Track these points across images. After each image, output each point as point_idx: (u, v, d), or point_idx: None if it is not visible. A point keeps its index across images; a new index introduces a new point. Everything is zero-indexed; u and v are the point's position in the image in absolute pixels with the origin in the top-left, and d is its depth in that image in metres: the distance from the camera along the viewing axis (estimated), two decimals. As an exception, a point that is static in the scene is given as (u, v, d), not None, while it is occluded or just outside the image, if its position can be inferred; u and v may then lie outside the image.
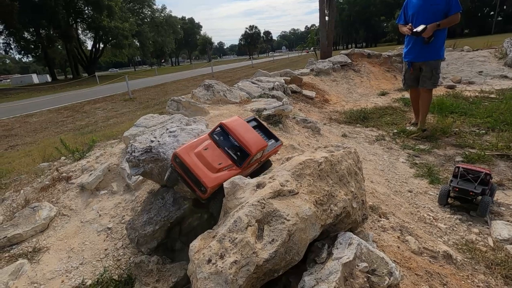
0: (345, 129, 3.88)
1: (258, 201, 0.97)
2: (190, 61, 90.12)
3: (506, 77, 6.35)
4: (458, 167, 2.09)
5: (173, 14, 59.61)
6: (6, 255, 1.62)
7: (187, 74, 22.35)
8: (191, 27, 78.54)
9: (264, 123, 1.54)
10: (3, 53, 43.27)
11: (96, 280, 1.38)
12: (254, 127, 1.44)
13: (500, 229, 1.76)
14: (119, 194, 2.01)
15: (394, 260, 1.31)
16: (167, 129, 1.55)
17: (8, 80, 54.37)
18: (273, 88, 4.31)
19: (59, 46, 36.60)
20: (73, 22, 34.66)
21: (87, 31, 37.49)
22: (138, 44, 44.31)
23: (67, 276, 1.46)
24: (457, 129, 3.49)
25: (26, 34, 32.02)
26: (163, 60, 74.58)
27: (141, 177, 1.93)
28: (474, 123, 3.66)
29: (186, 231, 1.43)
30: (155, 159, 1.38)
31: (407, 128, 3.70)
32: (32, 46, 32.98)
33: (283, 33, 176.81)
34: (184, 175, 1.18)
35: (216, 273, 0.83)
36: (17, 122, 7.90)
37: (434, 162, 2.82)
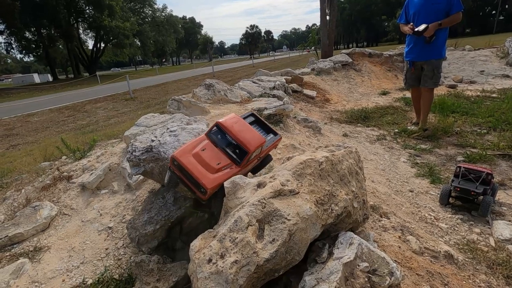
0: (346, 129, 3.87)
1: (259, 201, 0.97)
2: (191, 60, 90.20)
3: (507, 76, 6.32)
4: (460, 167, 2.08)
5: (174, 14, 59.76)
6: (7, 254, 1.62)
7: (188, 74, 22.36)
8: (192, 26, 78.57)
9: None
10: (5, 52, 43.45)
11: (97, 279, 1.38)
12: (252, 122, 1.43)
13: (502, 229, 1.75)
14: (120, 193, 2.02)
15: (395, 260, 1.31)
16: (168, 128, 1.55)
17: (10, 80, 54.53)
18: (274, 88, 4.31)
19: (60, 46, 36.69)
20: (74, 21, 34.71)
21: (88, 31, 37.55)
22: (139, 43, 44.40)
23: (68, 275, 1.46)
24: (458, 129, 3.48)
25: (27, 34, 32.09)
26: (164, 60, 74.64)
27: (141, 177, 1.93)
28: (476, 123, 3.65)
29: (186, 231, 1.43)
30: (155, 159, 1.38)
31: (408, 127, 3.69)
32: (34, 46, 33.06)
33: (284, 33, 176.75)
34: (183, 177, 1.17)
35: (216, 273, 0.83)
36: (18, 121, 7.92)
37: (435, 161, 2.81)
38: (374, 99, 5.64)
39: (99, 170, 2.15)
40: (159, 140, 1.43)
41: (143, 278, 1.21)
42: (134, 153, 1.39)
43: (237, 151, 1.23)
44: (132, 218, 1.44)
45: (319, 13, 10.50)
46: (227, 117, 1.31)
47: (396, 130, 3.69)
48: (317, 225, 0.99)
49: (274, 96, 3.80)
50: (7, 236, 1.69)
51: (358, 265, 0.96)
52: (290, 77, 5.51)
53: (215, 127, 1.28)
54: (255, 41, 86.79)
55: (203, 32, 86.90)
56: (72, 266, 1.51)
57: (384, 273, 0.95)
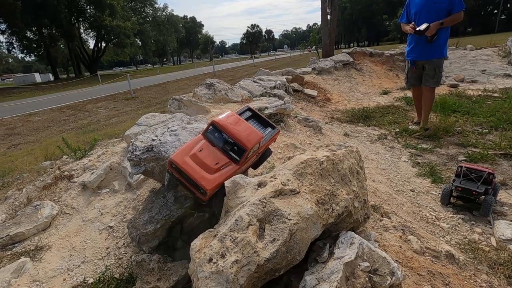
0: (347, 128, 3.87)
1: (260, 200, 0.96)
2: (192, 60, 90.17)
3: (509, 76, 6.30)
4: (461, 167, 2.08)
5: (174, 13, 59.85)
6: (9, 253, 1.62)
7: (189, 73, 22.37)
8: (192, 26, 78.60)
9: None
10: (6, 52, 43.53)
11: (97, 278, 1.38)
12: (249, 117, 1.41)
13: (503, 228, 1.74)
14: (121, 192, 2.02)
15: (396, 260, 1.31)
16: (169, 128, 1.55)
17: (11, 79, 54.67)
18: (274, 87, 4.30)
19: (61, 45, 36.78)
20: (75, 21, 34.75)
21: (89, 30, 37.61)
22: (140, 43, 44.40)
23: (69, 274, 1.46)
24: (459, 128, 3.47)
25: (28, 33, 32.15)
26: (165, 59, 74.69)
27: (142, 176, 1.94)
28: (477, 122, 3.64)
29: (187, 230, 1.43)
30: (156, 158, 1.38)
31: (410, 127, 3.69)
32: (35, 45, 33.12)
33: (285, 32, 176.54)
34: (183, 179, 1.16)
35: (217, 272, 0.83)
36: (19, 121, 7.94)
37: (437, 161, 2.80)
38: (375, 98, 5.63)
39: (100, 169, 2.15)
40: (159, 140, 1.43)
41: (143, 277, 1.21)
42: (134, 153, 1.39)
43: (235, 149, 1.22)
44: (133, 217, 1.44)
45: (320, 13, 10.48)
46: (223, 115, 1.29)
47: (397, 130, 3.68)
48: (318, 225, 0.98)
49: (275, 95, 3.79)
50: (8, 235, 1.70)
51: (359, 265, 0.96)
52: (291, 77, 5.50)
53: (211, 126, 1.26)
54: (256, 41, 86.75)
55: (204, 31, 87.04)
56: (73, 265, 1.52)
57: (385, 273, 0.95)
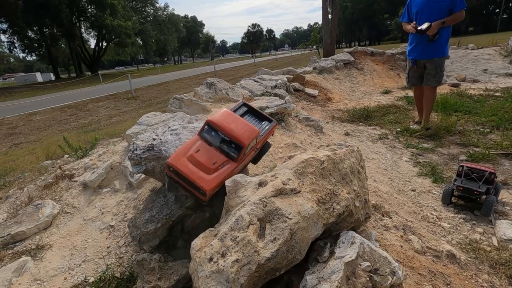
0: (348, 128, 3.86)
1: (260, 200, 0.96)
2: (193, 59, 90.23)
3: (511, 75, 6.28)
4: (462, 166, 2.07)
5: (175, 13, 59.85)
6: (10, 252, 1.63)
7: (190, 73, 22.37)
8: (193, 25, 78.58)
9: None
10: (7, 51, 43.61)
11: (98, 277, 1.38)
12: (245, 113, 1.39)
13: (505, 228, 1.74)
14: (122, 192, 2.02)
15: (397, 260, 1.30)
16: (169, 127, 1.55)
17: (13, 79, 54.77)
18: (275, 87, 4.29)
19: (62, 45, 36.83)
20: (76, 20, 34.79)
21: (90, 30, 37.64)
22: (141, 42, 44.41)
23: (69, 273, 1.47)
24: (461, 128, 3.46)
25: (30, 33, 32.21)
26: (166, 59, 74.73)
27: (143, 175, 1.94)
28: (479, 122, 3.63)
29: (188, 229, 1.43)
30: (157, 157, 1.38)
31: (411, 126, 3.68)
32: (36, 45, 33.20)
33: (286, 31, 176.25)
34: (182, 182, 1.16)
35: (217, 272, 0.83)
36: (21, 120, 7.96)
37: (438, 160, 2.80)
38: (376, 98, 5.62)
39: (100, 168, 2.15)
40: (160, 139, 1.43)
41: (144, 277, 1.21)
42: (135, 152, 1.39)
43: (232, 146, 1.21)
44: (134, 216, 1.44)
45: (321, 12, 10.48)
46: (217, 113, 1.27)
47: (398, 129, 3.67)
48: (318, 224, 0.98)
49: (275, 95, 3.78)
50: (9, 234, 1.70)
51: (360, 265, 0.95)
52: (292, 76, 5.49)
53: (206, 126, 1.25)
54: (257, 40, 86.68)
55: (204, 31, 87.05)
56: (74, 264, 1.52)
57: (386, 272, 0.95)
